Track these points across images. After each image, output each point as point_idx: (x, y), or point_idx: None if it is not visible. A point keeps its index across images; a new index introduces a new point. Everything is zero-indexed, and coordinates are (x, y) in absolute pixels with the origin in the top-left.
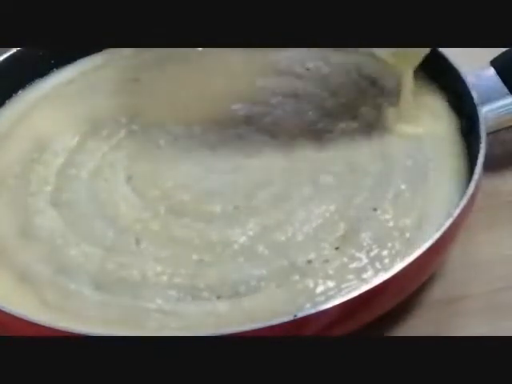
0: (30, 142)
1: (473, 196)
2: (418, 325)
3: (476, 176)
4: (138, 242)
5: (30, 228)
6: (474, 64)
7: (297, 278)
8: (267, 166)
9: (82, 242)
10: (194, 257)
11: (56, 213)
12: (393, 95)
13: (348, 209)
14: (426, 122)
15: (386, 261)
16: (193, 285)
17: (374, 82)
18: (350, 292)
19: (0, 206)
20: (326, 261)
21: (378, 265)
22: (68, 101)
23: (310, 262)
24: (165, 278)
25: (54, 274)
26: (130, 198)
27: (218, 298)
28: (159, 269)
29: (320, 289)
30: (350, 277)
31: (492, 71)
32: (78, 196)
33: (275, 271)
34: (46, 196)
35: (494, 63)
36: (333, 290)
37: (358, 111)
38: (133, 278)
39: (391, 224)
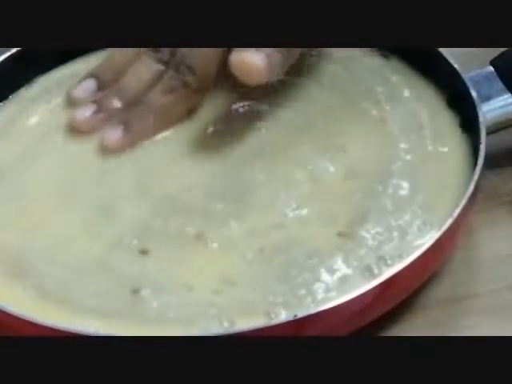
0: (30, 138)
1: (473, 196)
2: (420, 325)
3: (476, 176)
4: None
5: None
6: (473, 64)
7: (296, 273)
8: None
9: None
10: None
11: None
12: None
13: (349, 208)
14: (426, 122)
15: (387, 261)
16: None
17: None
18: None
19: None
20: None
21: (378, 265)
22: None
23: (310, 258)
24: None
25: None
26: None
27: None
28: None
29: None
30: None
31: (492, 71)
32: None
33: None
34: None
35: (494, 63)
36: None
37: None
38: None
39: (391, 224)
